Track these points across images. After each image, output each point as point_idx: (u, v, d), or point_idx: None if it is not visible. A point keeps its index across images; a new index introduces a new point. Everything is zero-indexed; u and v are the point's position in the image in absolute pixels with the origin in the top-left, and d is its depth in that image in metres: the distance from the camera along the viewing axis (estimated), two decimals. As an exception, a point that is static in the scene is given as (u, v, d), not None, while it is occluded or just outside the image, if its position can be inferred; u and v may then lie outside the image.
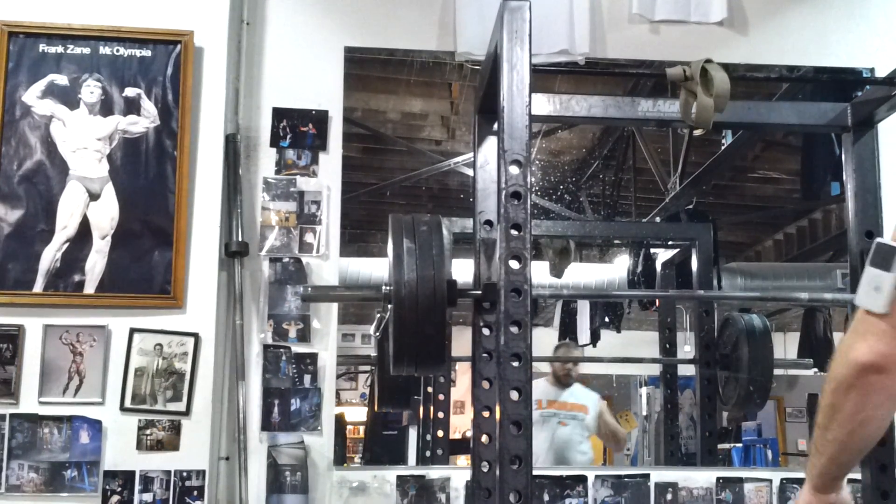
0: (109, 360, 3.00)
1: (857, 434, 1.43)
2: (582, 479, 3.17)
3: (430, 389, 4.43)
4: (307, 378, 3.14)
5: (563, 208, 5.89)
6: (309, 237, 3.23)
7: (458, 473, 3.18)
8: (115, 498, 2.93)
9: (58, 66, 3.12)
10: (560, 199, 5.86)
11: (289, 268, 3.20)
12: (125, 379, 2.99)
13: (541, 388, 4.73)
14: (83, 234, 3.05)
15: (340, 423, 5.66)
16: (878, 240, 1.41)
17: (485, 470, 2.17)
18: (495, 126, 2.10)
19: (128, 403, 2.99)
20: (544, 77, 3.54)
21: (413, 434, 4.89)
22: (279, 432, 3.09)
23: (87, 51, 3.14)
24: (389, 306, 2.04)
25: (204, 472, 2.97)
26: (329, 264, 3.24)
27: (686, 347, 5.06)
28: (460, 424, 6.99)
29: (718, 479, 3.23)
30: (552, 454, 4.67)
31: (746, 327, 3.95)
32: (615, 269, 6.04)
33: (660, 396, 5.36)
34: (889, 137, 2.65)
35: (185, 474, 2.97)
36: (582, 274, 5.78)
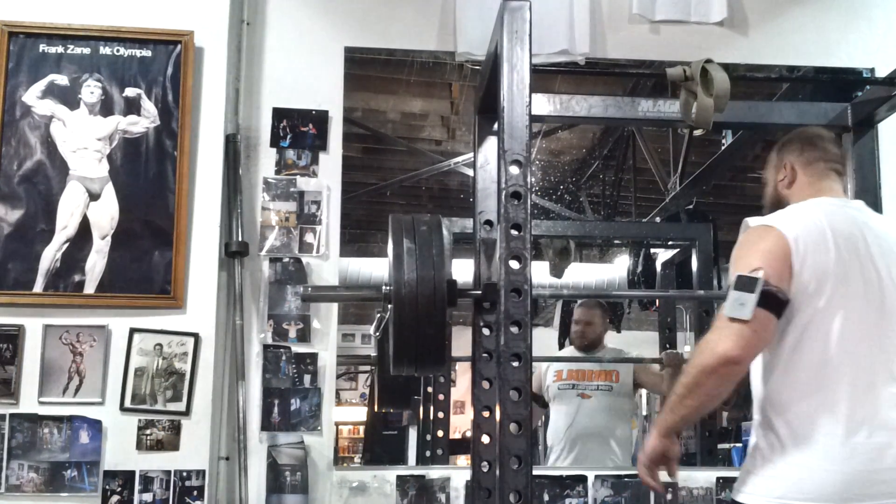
0: (109, 360, 3.00)
1: (706, 405, 1.93)
2: (582, 479, 3.17)
3: (430, 389, 4.42)
4: (307, 378, 3.14)
5: (563, 208, 5.89)
6: (309, 237, 3.22)
7: (458, 473, 3.18)
8: (115, 498, 2.93)
9: (58, 66, 3.12)
10: (560, 199, 5.86)
11: (289, 268, 3.19)
12: (125, 379, 2.99)
13: (566, 354, 4.25)
14: (83, 234, 3.04)
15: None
16: (739, 273, 1.84)
17: (485, 470, 2.17)
18: (495, 126, 2.10)
19: (128, 403, 2.99)
20: (544, 77, 3.54)
21: (413, 434, 4.88)
22: (279, 432, 3.09)
23: (87, 51, 3.13)
24: (389, 306, 2.04)
25: (204, 472, 2.97)
26: (329, 264, 3.24)
27: (686, 347, 5.05)
28: (460, 424, 6.99)
29: (718, 478, 3.23)
30: (573, 439, 4.03)
31: (747, 327, 3.93)
32: (615, 269, 6.05)
33: (660, 397, 5.35)
34: (889, 137, 2.66)
35: (184, 474, 2.96)
36: (582, 274, 5.79)
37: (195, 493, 2.95)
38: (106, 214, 3.06)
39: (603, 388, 4.12)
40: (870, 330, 1.88)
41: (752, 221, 1.99)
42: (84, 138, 3.09)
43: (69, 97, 3.11)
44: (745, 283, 1.81)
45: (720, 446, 5.31)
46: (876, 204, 2.51)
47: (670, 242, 4.83)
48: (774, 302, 1.82)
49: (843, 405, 1.83)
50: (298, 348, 3.15)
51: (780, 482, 1.84)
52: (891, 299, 1.90)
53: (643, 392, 6.33)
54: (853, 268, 1.88)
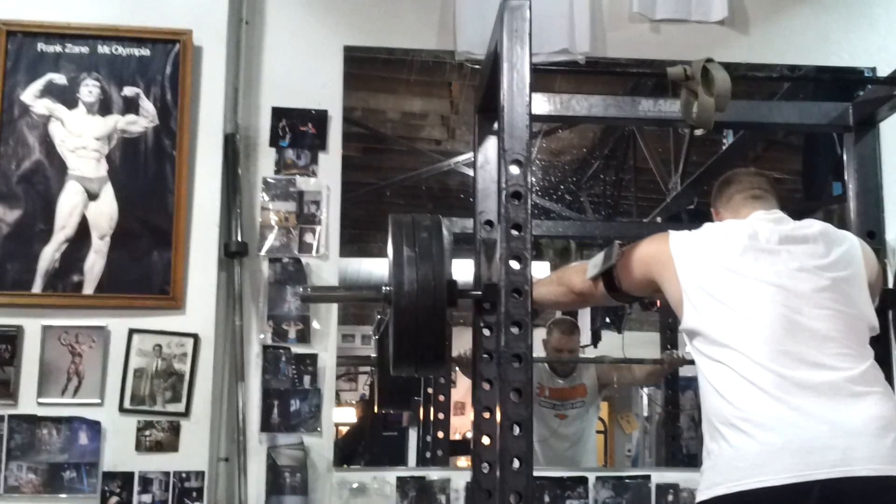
0: (108, 360, 2.99)
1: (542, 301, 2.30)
2: (583, 481, 3.16)
3: (430, 390, 4.42)
4: (307, 379, 3.13)
5: (564, 208, 5.87)
6: (308, 237, 3.22)
7: (458, 475, 3.17)
8: (114, 499, 2.92)
9: (56, 65, 3.11)
10: (561, 199, 5.84)
11: (288, 268, 3.19)
12: (124, 380, 2.98)
13: (541, 371, 4.24)
14: (82, 235, 3.04)
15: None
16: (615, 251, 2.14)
17: (485, 471, 2.16)
18: (495, 126, 2.09)
19: (127, 404, 2.98)
20: (545, 76, 3.52)
21: (413, 435, 4.88)
22: (279, 433, 3.09)
23: (85, 50, 3.13)
24: (389, 307, 2.03)
25: (203, 473, 2.96)
26: (329, 264, 3.23)
27: (687, 348, 5.03)
28: (460, 425, 6.98)
29: (719, 479, 3.22)
30: (543, 452, 4.09)
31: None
32: (615, 270, 6.01)
33: (661, 397, 5.35)
34: (891, 137, 2.65)
35: (184, 475, 2.96)
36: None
37: (194, 494, 2.94)
38: (105, 214, 3.05)
39: (577, 406, 4.29)
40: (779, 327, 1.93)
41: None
42: (82, 138, 3.08)
43: (67, 96, 3.10)
44: (605, 256, 2.14)
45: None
46: (877, 204, 2.50)
47: (671, 242, 4.81)
48: (609, 283, 2.16)
49: (764, 397, 1.87)
50: (298, 349, 3.15)
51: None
52: (799, 296, 1.96)
53: (644, 393, 6.32)
54: (759, 267, 1.98)
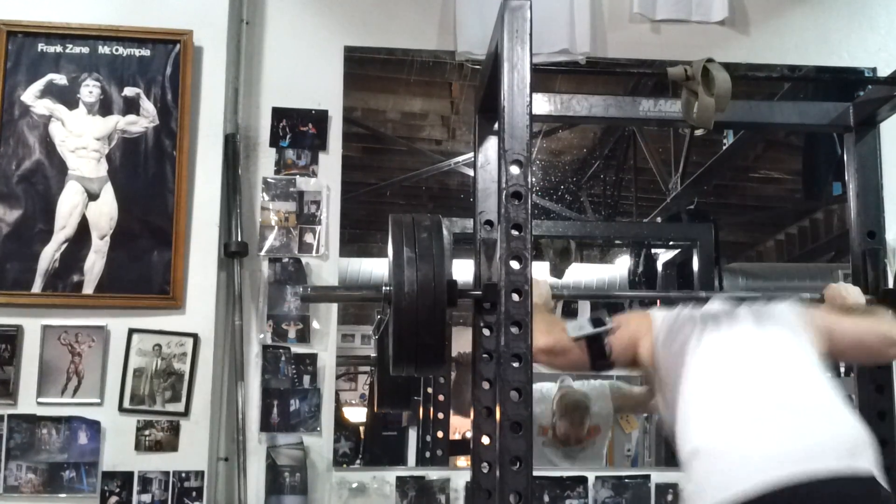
0: (108, 360, 2.99)
1: None
2: (582, 480, 3.16)
3: (429, 390, 4.42)
4: (307, 379, 3.13)
5: (564, 208, 5.87)
6: (308, 237, 3.22)
7: (457, 474, 3.17)
8: (114, 499, 2.92)
9: (56, 65, 3.11)
10: (561, 200, 5.84)
11: (288, 268, 3.19)
12: (124, 379, 2.98)
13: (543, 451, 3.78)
14: (82, 235, 3.04)
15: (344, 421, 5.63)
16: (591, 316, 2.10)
17: (485, 471, 2.16)
18: (496, 126, 2.09)
19: (126, 404, 2.98)
20: (545, 77, 3.53)
21: (413, 435, 4.87)
22: (278, 433, 3.09)
23: (85, 50, 3.13)
24: (389, 307, 2.03)
25: (203, 472, 2.96)
26: (329, 264, 3.23)
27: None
28: (460, 425, 6.97)
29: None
30: None
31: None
32: (616, 270, 6.02)
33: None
34: (891, 137, 2.65)
35: (183, 475, 2.96)
36: (582, 274, 5.76)
37: (194, 493, 2.94)
38: (105, 214, 3.05)
39: (588, 445, 3.89)
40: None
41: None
42: (83, 138, 3.08)
43: (68, 97, 3.10)
44: (596, 321, 2.08)
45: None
46: (878, 204, 2.50)
47: (671, 243, 4.82)
48: (598, 349, 2.05)
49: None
50: (298, 349, 3.15)
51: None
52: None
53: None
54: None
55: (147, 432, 2.97)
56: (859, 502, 1.78)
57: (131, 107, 3.12)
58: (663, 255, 4.90)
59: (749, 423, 1.83)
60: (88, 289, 3.02)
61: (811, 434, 1.80)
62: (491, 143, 2.30)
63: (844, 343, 2.09)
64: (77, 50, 3.13)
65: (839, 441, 1.80)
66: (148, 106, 3.12)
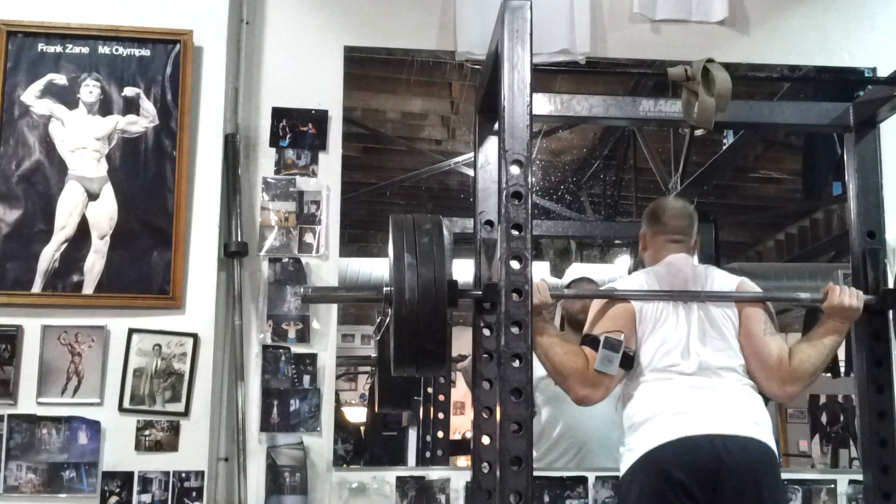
0: (108, 360, 2.99)
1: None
2: (582, 480, 3.16)
3: (430, 390, 4.42)
4: (306, 379, 3.13)
5: (564, 208, 5.87)
6: (308, 237, 3.22)
7: (458, 474, 3.17)
8: (114, 499, 2.92)
9: (56, 65, 3.11)
10: (561, 199, 5.84)
11: (288, 268, 3.19)
12: (124, 379, 2.98)
13: None
14: (82, 235, 3.04)
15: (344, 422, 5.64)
16: (605, 335, 2.39)
17: (485, 471, 2.16)
18: (496, 126, 2.09)
19: (126, 404, 2.98)
20: (545, 77, 3.53)
21: (413, 435, 4.87)
22: (278, 433, 3.08)
23: (85, 50, 3.13)
24: (390, 307, 2.03)
25: (203, 472, 2.96)
26: (329, 264, 3.23)
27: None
28: (460, 425, 6.97)
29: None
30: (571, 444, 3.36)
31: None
32: (616, 269, 6.02)
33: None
34: (891, 137, 2.65)
35: (183, 475, 2.95)
36: (583, 274, 5.74)
37: (194, 494, 2.94)
38: (105, 214, 3.05)
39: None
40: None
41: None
42: (83, 138, 3.08)
43: (68, 97, 3.10)
44: (612, 345, 2.36)
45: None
46: (878, 204, 2.50)
47: (671, 243, 4.81)
48: (628, 361, 2.40)
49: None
50: (298, 349, 3.15)
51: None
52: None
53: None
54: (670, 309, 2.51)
55: (147, 432, 2.97)
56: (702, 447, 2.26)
57: (131, 107, 3.12)
58: (663, 256, 4.88)
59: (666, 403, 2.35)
60: (88, 289, 3.02)
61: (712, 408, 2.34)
62: (491, 143, 2.29)
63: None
64: (77, 50, 3.13)
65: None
66: (148, 106, 3.12)
